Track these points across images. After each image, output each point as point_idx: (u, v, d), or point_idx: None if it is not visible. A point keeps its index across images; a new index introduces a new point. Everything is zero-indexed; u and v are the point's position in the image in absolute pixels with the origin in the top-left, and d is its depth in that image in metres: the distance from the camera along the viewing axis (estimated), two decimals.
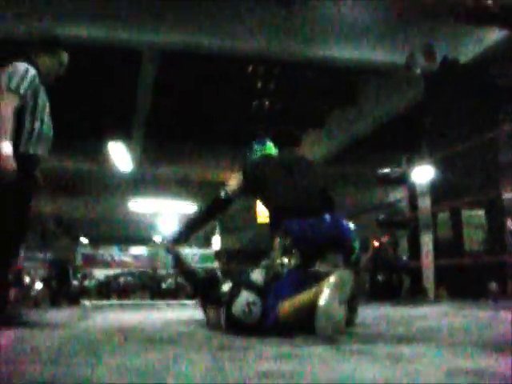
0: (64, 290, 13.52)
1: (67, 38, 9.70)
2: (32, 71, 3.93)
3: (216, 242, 24.16)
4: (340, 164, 15.91)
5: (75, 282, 20.37)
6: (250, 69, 12.19)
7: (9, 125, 3.68)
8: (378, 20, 9.76)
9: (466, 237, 9.51)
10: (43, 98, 4.02)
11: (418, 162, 9.65)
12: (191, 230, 3.94)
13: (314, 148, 16.01)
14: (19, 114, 3.81)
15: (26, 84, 3.84)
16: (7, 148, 3.60)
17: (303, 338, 2.54)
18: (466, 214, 9.53)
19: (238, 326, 2.81)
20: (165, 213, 21.70)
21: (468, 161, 9.13)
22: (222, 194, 3.68)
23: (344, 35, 10.07)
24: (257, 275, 2.96)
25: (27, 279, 15.31)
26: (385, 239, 11.34)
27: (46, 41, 4.29)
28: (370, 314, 5.19)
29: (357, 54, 10.25)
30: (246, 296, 2.83)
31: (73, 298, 13.60)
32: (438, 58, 9.73)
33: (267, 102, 13.69)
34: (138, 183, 17.91)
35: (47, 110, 4.08)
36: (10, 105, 3.72)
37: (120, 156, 14.78)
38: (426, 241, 9.35)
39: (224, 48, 10.18)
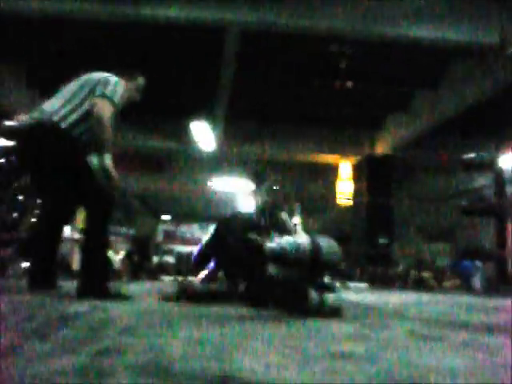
0: (144, 264, 13.91)
1: (153, 18, 9.93)
2: (122, 84, 3.91)
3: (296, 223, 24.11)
4: (423, 148, 15.52)
5: (155, 258, 20.91)
6: (335, 49, 12.02)
7: (109, 135, 3.66)
8: None
9: None
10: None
11: (507, 148, 9.28)
12: None
13: (396, 132, 15.69)
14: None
15: (117, 95, 3.79)
16: (109, 161, 3.61)
17: (367, 321, 2.49)
18: None
19: None
20: (244, 192, 21.92)
21: None
22: None
23: (430, 14, 9.77)
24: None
25: (111, 253, 15.83)
26: None
27: (126, 66, 4.34)
28: (447, 301, 5.07)
29: (444, 33, 9.92)
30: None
31: (152, 272, 13.95)
32: None
33: (350, 84, 13.49)
34: (220, 162, 18.09)
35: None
36: (108, 111, 3.66)
37: (202, 135, 14.96)
38: None
39: (307, 27, 10.10)
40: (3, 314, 2.26)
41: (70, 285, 4.79)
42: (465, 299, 6.88)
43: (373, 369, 1.34)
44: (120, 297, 3.60)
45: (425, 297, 6.64)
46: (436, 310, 4.22)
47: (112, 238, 18.09)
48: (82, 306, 2.68)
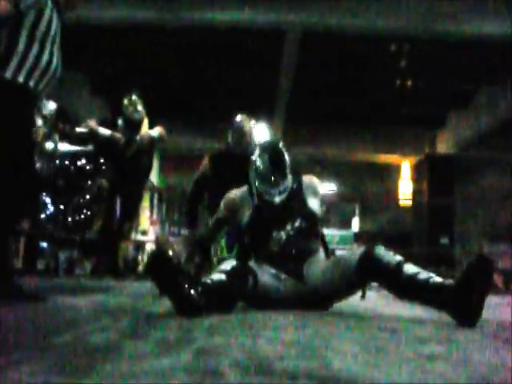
0: (206, 265, 14.09)
1: (212, 22, 10.07)
2: None
3: (355, 224, 24.01)
4: (486, 147, 15.19)
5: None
6: (395, 48, 11.92)
7: None
8: None
9: None
10: (53, 22, 3.23)
11: None
12: None
13: (457, 130, 15.41)
14: (13, 32, 3.09)
15: None
16: None
17: (445, 322, 2.49)
18: None
19: None
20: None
21: None
22: None
23: (494, 9, 9.58)
24: None
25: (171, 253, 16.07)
26: None
27: None
28: None
29: (508, 26, 9.70)
30: None
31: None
32: None
33: (410, 82, 13.35)
34: None
35: (56, 39, 3.29)
36: None
37: (262, 138, 15.02)
38: None
39: (367, 27, 10.05)
40: (93, 314, 2.37)
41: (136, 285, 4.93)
42: None
43: (462, 370, 1.36)
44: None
45: (493, 299, 6.52)
46: (508, 312, 4.16)
47: (172, 240, 18.38)
48: (162, 307, 2.77)
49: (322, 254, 3.10)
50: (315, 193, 3.29)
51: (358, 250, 2.89)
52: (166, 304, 2.77)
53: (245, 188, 3.29)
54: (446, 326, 2.43)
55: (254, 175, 3.13)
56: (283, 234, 3.01)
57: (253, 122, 5.12)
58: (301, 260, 2.99)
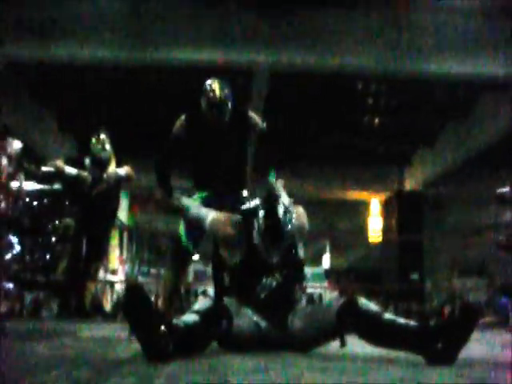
0: (176, 305, 13.90)
1: (176, 61, 10.11)
2: None
3: (326, 261, 24.04)
4: (453, 183, 15.40)
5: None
6: (361, 86, 12.10)
7: None
8: (494, 31, 9.43)
9: None
10: None
11: None
12: None
13: (424, 167, 15.62)
14: None
15: None
16: None
17: (413, 362, 2.46)
18: None
19: None
20: None
21: None
22: None
23: (457, 48, 9.81)
24: None
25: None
26: None
27: None
28: (486, 339, 4.97)
29: (471, 67, 9.94)
30: None
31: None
32: None
33: (377, 120, 13.53)
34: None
35: None
36: None
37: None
38: None
39: (333, 66, 10.18)
40: (51, 362, 2.28)
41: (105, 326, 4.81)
42: (504, 337, 6.73)
43: None
44: None
45: None
46: (478, 349, 4.13)
47: (142, 280, 18.15)
48: (124, 352, 2.69)
49: (303, 301, 3.03)
50: (303, 235, 3.16)
51: (338, 300, 2.85)
52: (127, 348, 2.69)
53: (239, 218, 3.08)
54: (416, 366, 2.40)
55: (257, 228, 2.88)
56: (273, 281, 2.89)
57: (228, 87, 4.14)
58: (287, 310, 2.88)
